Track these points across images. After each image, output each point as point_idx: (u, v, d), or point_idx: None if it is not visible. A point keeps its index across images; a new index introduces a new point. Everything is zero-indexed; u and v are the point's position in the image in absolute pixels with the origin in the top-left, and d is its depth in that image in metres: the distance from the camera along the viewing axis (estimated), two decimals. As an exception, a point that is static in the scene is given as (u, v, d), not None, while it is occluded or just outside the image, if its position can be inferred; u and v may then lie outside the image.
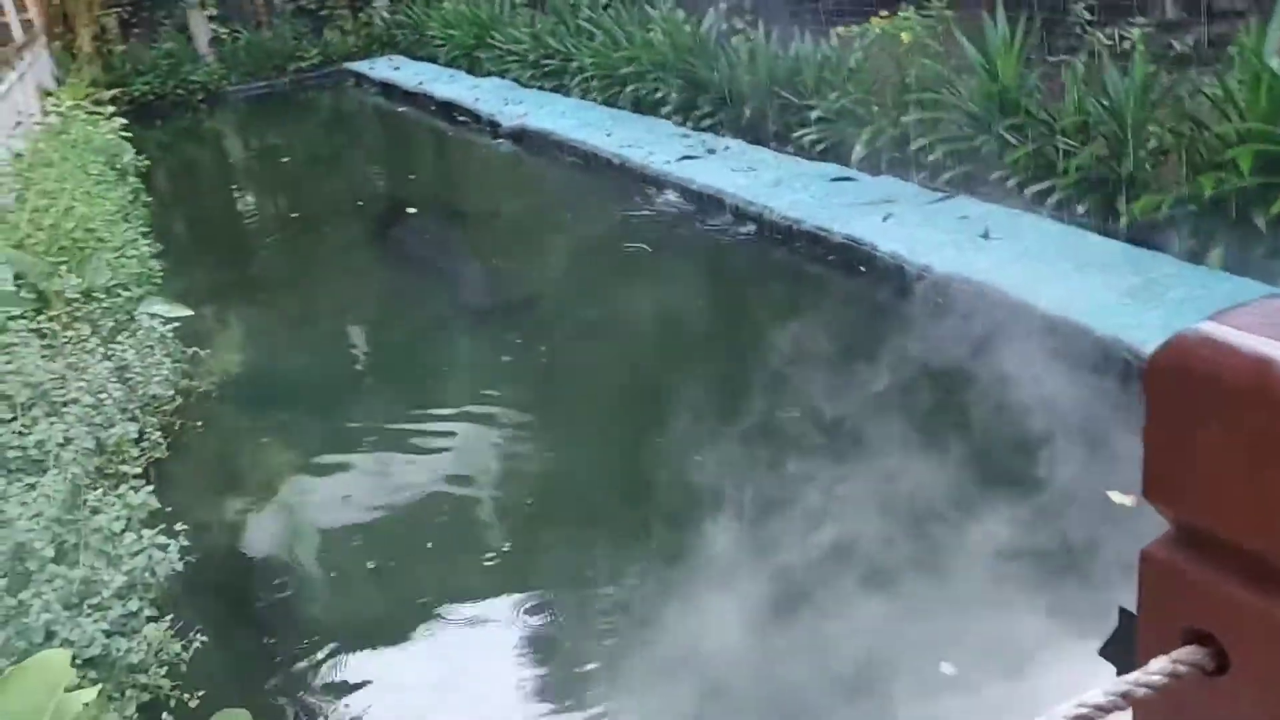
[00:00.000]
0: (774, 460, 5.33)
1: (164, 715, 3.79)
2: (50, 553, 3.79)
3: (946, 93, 8.32)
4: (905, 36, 8.55)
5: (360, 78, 18.32)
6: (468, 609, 4.66)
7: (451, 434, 6.12)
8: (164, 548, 4.22)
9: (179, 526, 4.43)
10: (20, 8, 15.31)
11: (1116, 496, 4.70)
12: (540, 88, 14.26)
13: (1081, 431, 5.14)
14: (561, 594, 4.63)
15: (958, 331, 6.33)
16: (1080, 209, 7.22)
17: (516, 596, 4.64)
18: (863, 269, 7.41)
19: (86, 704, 2.93)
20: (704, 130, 10.89)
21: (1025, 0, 8.25)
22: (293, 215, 11.22)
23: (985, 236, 7.16)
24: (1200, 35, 7.53)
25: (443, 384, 6.84)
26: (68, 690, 3.09)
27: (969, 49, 8.21)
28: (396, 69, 17.71)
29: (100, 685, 3.19)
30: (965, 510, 4.65)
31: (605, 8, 13.97)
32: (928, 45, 8.54)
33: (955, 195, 8.07)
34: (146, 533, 4.24)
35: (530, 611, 4.54)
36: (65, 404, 5.18)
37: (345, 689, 4.26)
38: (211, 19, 19.39)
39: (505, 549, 5.06)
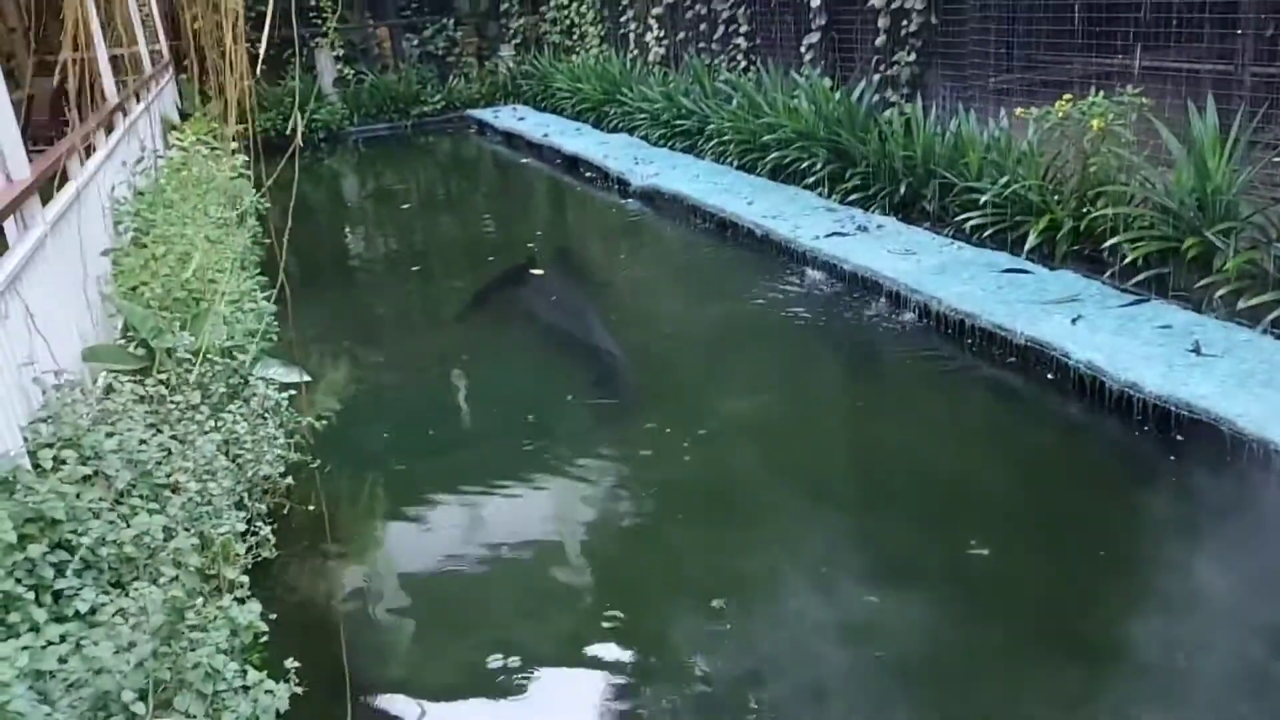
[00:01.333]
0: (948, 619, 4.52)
1: None
2: (141, 707, 3.13)
3: (1139, 186, 7.47)
4: (1096, 123, 7.72)
5: (483, 125, 18.02)
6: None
7: (600, 544, 5.39)
8: (271, 692, 3.56)
9: (289, 662, 3.76)
10: (151, 39, 15.26)
11: None
12: (671, 147, 13.71)
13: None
14: None
15: (1185, 473, 5.46)
16: (1309, 329, 6.30)
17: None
18: (1050, 378, 6.55)
19: None
20: (851, 205, 10.16)
21: (1239, 90, 7.37)
22: (414, 268, 10.72)
23: (1197, 352, 6.26)
24: None
25: (583, 478, 6.08)
26: None
27: (1172, 142, 7.36)
28: (521, 119, 17.37)
29: None
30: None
31: (745, 70, 13.40)
32: (1118, 134, 7.70)
33: (1149, 299, 7.19)
34: (252, 672, 3.58)
35: None
36: (167, 487, 4.60)
37: None
38: (338, 59, 19.34)
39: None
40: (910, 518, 5.33)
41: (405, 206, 13.62)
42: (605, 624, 4.69)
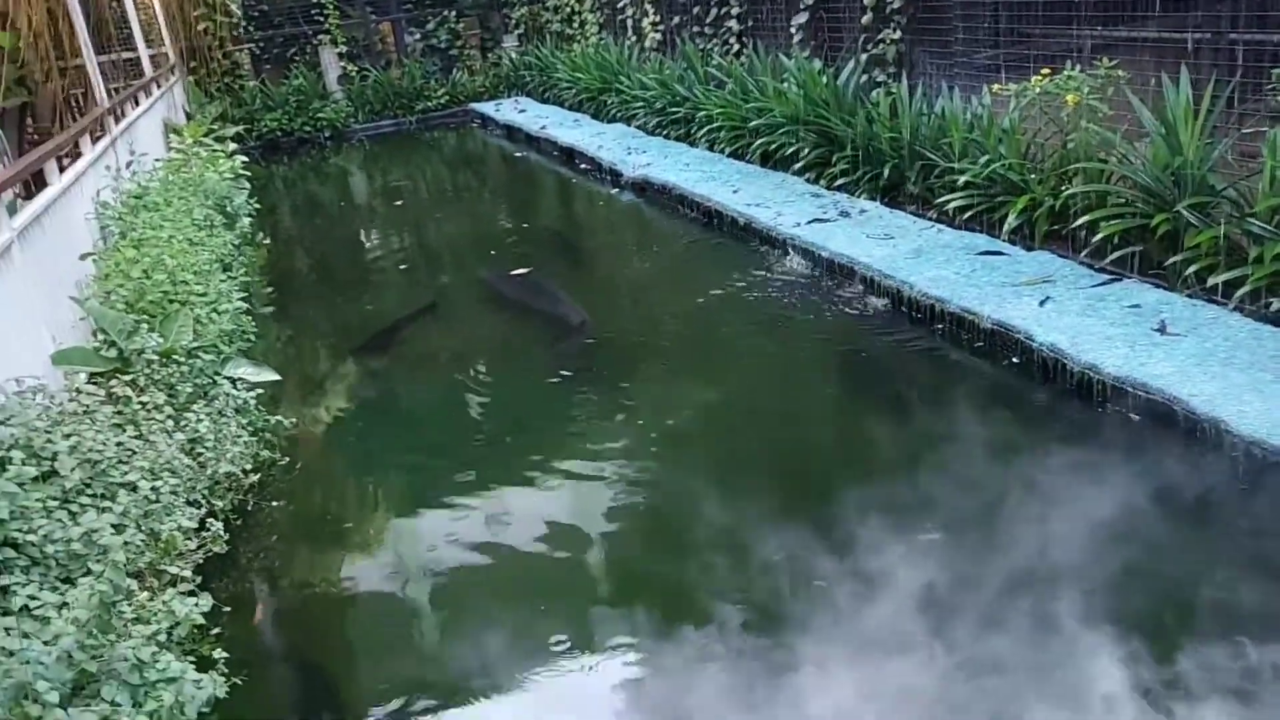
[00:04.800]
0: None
1: None
2: (54, 697, 3.24)
3: (1116, 162, 7.43)
4: (1071, 98, 7.67)
5: (485, 119, 18.10)
6: None
7: (569, 546, 5.37)
8: (198, 683, 3.65)
9: (217, 653, 3.87)
10: (150, 43, 15.43)
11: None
12: (666, 136, 13.72)
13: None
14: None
15: (1133, 457, 5.44)
16: (1276, 304, 6.24)
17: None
18: (1015, 360, 6.55)
19: None
20: (838, 189, 10.15)
21: (1215, 61, 7.30)
22: (401, 266, 10.83)
23: (1161, 331, 6.23)
24: None
25: (554, 476, 6.07)
26: None
27: (1145, 115, 7.31)
28: (521, 111, 17.43)
29: None
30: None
31: (737, 55, 13.38)
32: (1095, 109, 7.65)
33: (1123, 279, 7.15)
34: (176, 664, 3.68)
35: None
36: (123, 486, 4.71)
37: None
38: (341, 57, 19.47)
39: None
40: (868, 503, 5.34)
41: (399, 204, 13.72)
42: (569, 634, 4.61)
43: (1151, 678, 3.90)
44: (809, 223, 9.16)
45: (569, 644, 4.51)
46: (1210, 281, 6.58)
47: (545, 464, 6.18)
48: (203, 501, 5.20)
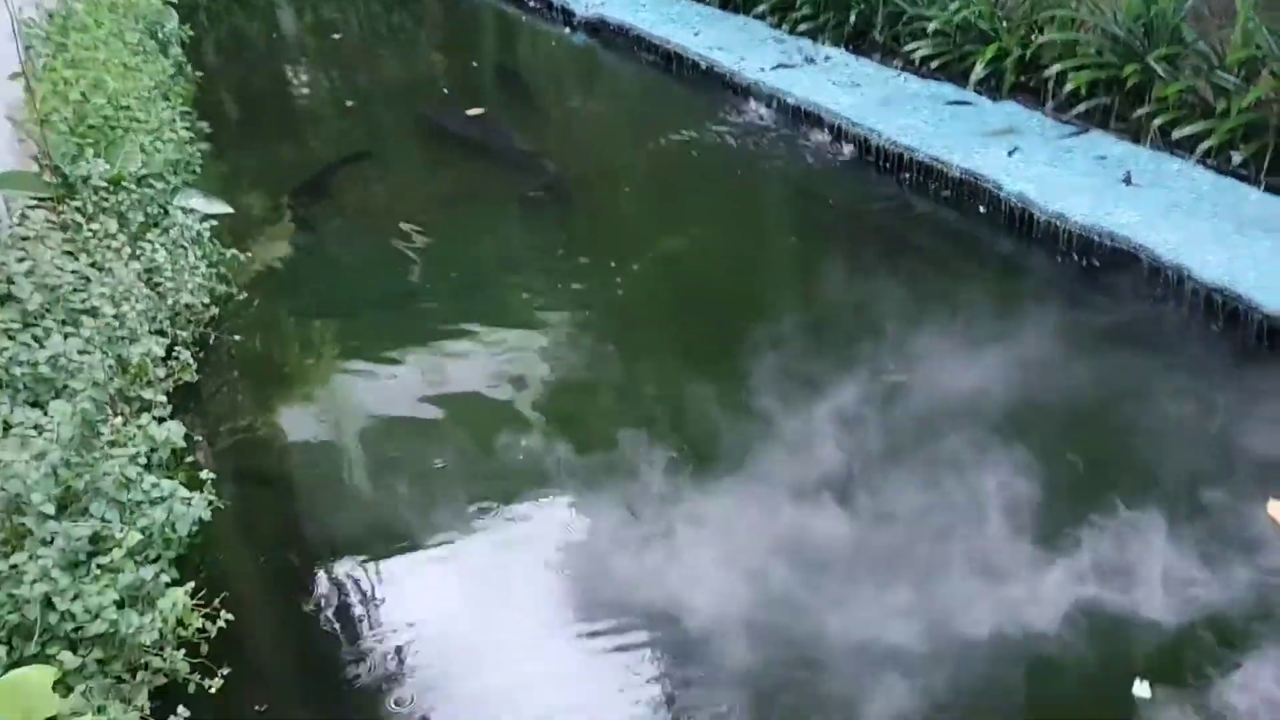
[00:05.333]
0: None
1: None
2: (50, 508, 3.16)
3: (1088, 11, 7.35)
4: (1046, -58, 7.54)
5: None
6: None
7: (529, 381, 5.38)
8: (187, 501, 3.59)
9: (204, 474, 3.80)
10: None
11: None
12: (619, -27, 13.19)
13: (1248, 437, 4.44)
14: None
15: (1098, 302, 5.54)
16: (1238, 158, 6.32)
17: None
18: (982, 209, 6.57)
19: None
20: (801, 35, 9.87)
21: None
22: (348, 103, 10.39)
23: (1127, 182, 6.29)
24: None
25: (516, 314, 6.03)
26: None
27: (1121, -40, 7.21)
28: (462, -56, 16.63)
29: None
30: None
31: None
32: (1070, -46, 7.53)
33: (1089, 130, 7.15)
34: (166, 482, 3.61)
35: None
36: (84, 312, 4.54)
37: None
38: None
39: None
40: (833, 348, 5.37)
41: (337, 37, 13.08)
42: (530, 470, 4.70)
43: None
44: (773, 68, 8.95)
45: (528, 481, 4.60)
46: (1176, 135, 6.61)
47: (510, 306, 6.14)
48: (167, 331, 5.04)
